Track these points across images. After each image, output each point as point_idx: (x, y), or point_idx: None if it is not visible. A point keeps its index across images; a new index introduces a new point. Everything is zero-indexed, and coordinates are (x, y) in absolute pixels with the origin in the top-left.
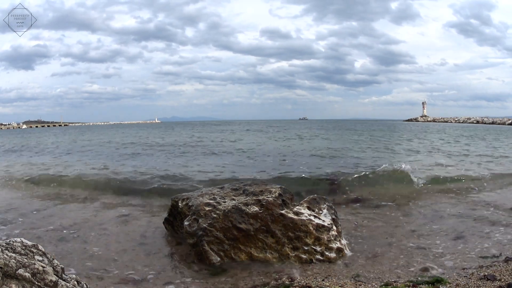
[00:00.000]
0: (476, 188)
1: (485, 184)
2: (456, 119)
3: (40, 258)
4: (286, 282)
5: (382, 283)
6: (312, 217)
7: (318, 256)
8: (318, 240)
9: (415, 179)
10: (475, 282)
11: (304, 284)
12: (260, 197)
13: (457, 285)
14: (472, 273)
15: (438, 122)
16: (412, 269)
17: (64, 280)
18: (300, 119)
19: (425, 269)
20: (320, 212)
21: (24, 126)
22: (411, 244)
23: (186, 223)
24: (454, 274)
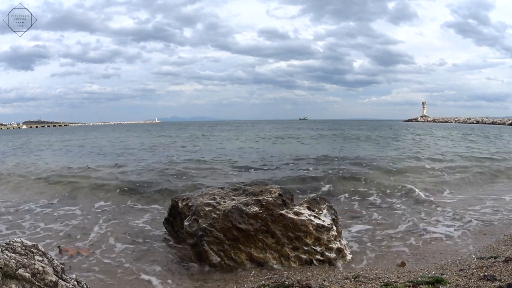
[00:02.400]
0: None
1: None
2: (456, 119)
3: (40, 258)
4: (286, 282)
5: (382, 283)
6: (312, 217)
7: (318, 256)
8: (318, 240)
9: None
10: (475, 282)
11: (304, 284)
12: (260, 197)
13: (457, 285)
14: (472, 273)
15: (438, 122)
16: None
17: (64, 280)
18: (300, 119)
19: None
20: (320, 212)
21: (24, 127)
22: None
23: (186, 223)
24: (454, 274)
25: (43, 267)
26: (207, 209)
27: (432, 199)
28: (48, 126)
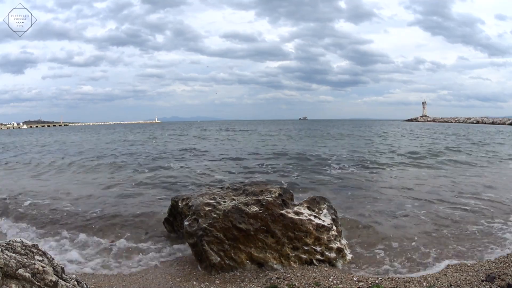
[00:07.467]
0: None
1: None
2: (456, 119)
3: (40, 258)
4: (286, 282)
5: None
6: (312, 217)
7: (318, 256)
8: (318, 240)
9: None
10: (475, 282)
11: (304, 283)
12: (260, 197)
13: (458, 285)
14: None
15: (438, 122)
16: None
17: (64, 280)
18: (300, 119)
19: None
20: (320, 212)
21: (25, 126)
22: None
23: (186, 223)
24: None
25: (43, 267)
26: (207, 209)
27: None
28: (48, 126)
